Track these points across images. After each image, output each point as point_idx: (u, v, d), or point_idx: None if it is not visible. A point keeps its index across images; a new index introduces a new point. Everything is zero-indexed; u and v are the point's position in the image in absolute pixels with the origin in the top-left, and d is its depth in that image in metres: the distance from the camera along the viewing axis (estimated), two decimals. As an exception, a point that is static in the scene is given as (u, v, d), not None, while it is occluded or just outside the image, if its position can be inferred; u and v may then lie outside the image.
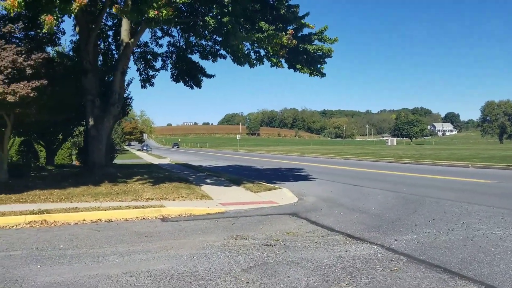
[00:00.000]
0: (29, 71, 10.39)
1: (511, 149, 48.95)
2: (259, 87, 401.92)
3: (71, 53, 19.39)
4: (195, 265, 5.80)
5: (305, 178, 19.72)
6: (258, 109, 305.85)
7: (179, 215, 9.96)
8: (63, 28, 17.27)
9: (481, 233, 7.36)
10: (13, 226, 8.81)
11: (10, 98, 10.03)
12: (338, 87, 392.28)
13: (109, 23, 19.23)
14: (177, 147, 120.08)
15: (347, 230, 7.94)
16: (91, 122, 14.87)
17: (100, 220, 9.38)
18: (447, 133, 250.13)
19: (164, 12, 10.52)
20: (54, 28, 16.94)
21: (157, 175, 17.89)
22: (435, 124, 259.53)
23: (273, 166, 29.76)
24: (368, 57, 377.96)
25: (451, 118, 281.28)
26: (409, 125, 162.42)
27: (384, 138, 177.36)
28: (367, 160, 35.80)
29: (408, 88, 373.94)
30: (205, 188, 14.34)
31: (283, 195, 13.11)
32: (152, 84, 19.60)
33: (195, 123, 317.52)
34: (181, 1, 10.37)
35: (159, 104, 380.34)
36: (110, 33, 19.33)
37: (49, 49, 20.63)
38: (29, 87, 10.17)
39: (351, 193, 13.58)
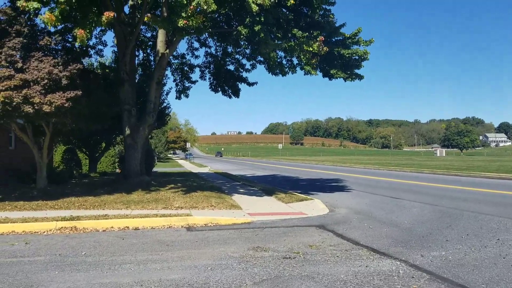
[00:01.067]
0: (64, 81, 10.79)
1: None
2: (303, 96, 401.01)
3: (113, 64, 20.09)
4: (207, 276, 5.71)
5: (342, 189, 19.28)
6: (302, 118, 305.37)
7: (205, 224, 9.94)
8: (105, 40, 17.89)
9: (517, 251, 6.84)
10: (44, 232, 9.08)
11: (46, 108, 10.45)
12: (385, 95, 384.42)
13: (148, 34, 19.78)
14: (220, 156, 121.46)
15: (373, 245, 7.61)
16: (127, 131, 15.25)
17: (128, 227, 9.50)
18: (501, 144, 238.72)
19: (194, 20, 10.64)
20: (94, 40, 17.72)
21: (191, 183, 18.05)
22: (487, 134, 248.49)
23: (311, 177, 29.37)
24: (417, 65, 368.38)
25: (505, 128, 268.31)
26: (459, 136, 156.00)
27: (433, 149, 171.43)
28: (411, 171, 34.63)
29: (460, 97, 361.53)
30: (236, 198, 14.30)
31: (314, 206, 12.84)
32: (187, 95, 19.90)
33: (239, 132, 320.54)
34: (209, 9, 10.44)
35: (204, 113, 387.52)
36: (150, 44, 19.85)
37: (93, 59, 21.56)
38: (64, 98, 10.56)
39: (386, 206, 13.10)
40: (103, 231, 9.24)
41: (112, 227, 9.46)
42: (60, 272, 6.00)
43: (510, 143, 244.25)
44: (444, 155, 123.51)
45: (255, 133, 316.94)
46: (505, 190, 17.52)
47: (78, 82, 11.26)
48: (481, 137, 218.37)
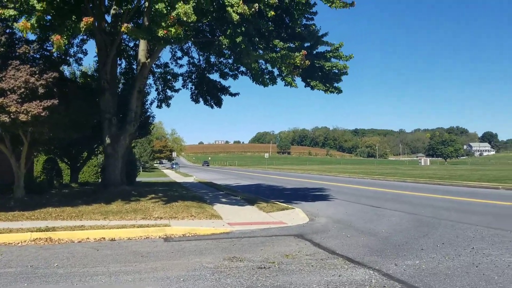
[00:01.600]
0: (41, 90, 10.68)
1: (550, 170, 46.77)
2: (290, 105, 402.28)
3: (95, 74, 19.94)
4: (178, 288, 5.65)
5: (324, 198, 19.32)
6: (289, 128, 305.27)
7: (183, 234, 9.85)
8: (85, 49, 17.70)
9: (489, 260, 6.90)
10: (18, 243, 8.90)
11: (22, 117, 10.31)
12: (371, 105, 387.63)
13: (131, 44, 19.71)
14: (207, 165, 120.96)
15: (349, 254, 7.61)
16: (107, 141, 15.11)
17: (104, 238, 9.36)
18: (485, 153, 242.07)
19: (173, 30, 10.64)
20: (76, 48, 17.59)
21: (173, 193, 17.91)
22: (471, 144, 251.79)
23: (296, 186, 29.39)
24: (402, 75, 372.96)
25: (488, 137, 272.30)
26: (444, 145, 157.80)
27: (418, 158, 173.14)
28: (395, 180, 34.87)
29: (444, 107, 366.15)
30: (217, 207, 14.22)
31: (295, 215, 12.83)
32: (168, 105, 19.82)
33: (227, 142, 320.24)
34: (189, 20, 10.44)
35: (191, 122, 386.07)
36: (132, 53, 19.78)
37: (75, 68, 21.39)
38: (41, 107, 10.44)
39: (366, 215, 13.15)
40: (79, 242, 9.09)
41: (88, 238, 9.31)
42: (29, 284, 5.88)
43: (493, 153, 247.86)
44: (428, 164, 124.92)
45: (243, 142, 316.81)
46: (485, 199, 17.72)
47: (55, 90, 11.14)
48: (465, 147, 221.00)
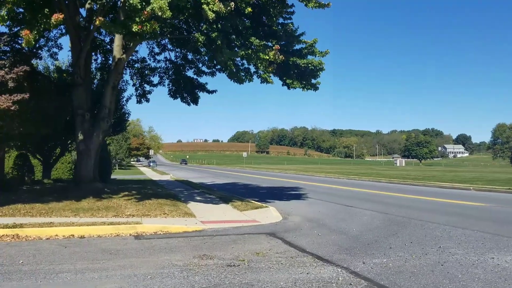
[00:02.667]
0: (11, 84, 10.42)
1: (519, 172, 48.15)
2: (270, 104, 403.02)
3: (70, 68, 19.55)
4: (145, 285, 5.59)
5: (299, 197, 19.43)
6: (268, 127, 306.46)
7: (154, 232, 9.75)
8: (60, 43, 17.40)
9: (455, 258, 7.05)
10: (-17, 240, 8.67)
11: (-10, 111, 10.06)
12: (348, 106, 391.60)
13: (107, 39, 19.40)
14: (185, 164, 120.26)
15: (318, 252, 7.67)
16: (80, 137, 14.83)
17: (73, 235, 9.20)
18: (458, 155, 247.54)
19: (148, 26, 10.53)
20: (50, 43, 17.24)
21: (147, 191, 17.73)
22: (446, 145, 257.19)
23: (272, 185, 29.48)
24: (380, 77, 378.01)
25: (462, 140, 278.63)
26: (419, 146, 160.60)
27: (393, 159, 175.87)
28: (370, 180, 35.33)
29: (420, 109, 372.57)
30: (192, 206, 14.14)
31: (269, 214, 12.86)
32: (147, 100, 19.62)
33: (205, 140, 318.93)
34: (165, 16, 10.33)
35: (169, 120, 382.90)
36: (108, 48, 19.48)
37: (49, 63, 20.94)
38: (11, 100, 10.19)
39: (338, 214, 13.28)
40: (47, 239, 8.91)
41: (57, 235, 9.13)
42: (-9, 282, 5.73)
43: (467, 154, 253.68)
44: (403, 165, 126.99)
45: (222, 141, 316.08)
46: (456, 200, 18.10)
47: (26, 85, 10.89)
48: (439, 148, 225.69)
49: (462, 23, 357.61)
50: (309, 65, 14.68)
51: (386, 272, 6.23)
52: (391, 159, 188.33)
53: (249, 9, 12.82)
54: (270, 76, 14.19)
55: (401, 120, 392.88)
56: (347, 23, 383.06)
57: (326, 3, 13.25)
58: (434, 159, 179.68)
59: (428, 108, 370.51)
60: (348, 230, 10.07)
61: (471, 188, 25.05)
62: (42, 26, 9.69)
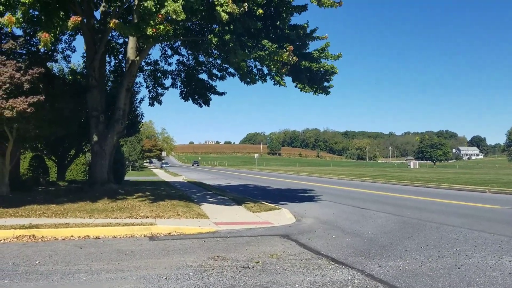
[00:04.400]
0: (27, 86, 10.55)
1: (536, 174, 47.38)
2: (281, 107, 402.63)
3: (84, 71, 19.78)
4: (160, 286, 5.61)
5: (311, 199, 19.36)
6: (280, 129, 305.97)
7: (168, 233, 9.79)
8: (74, 46, 17.58)
9: (472, 261, 6.95)
10: (0, 240, 8.78)
11: (7, 113, 10.18)
12: (361, 108, 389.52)
13: (120, 41, 19.60)
14: (197, 165, 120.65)
15: (333, 254, 7.62)
16: (94, 138, 14.99)
17: (88, 236, 9.28)
18: (473, 157, 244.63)
19: (162, 28, 10.59)
20: (64, 45, 17.46)
21: (161, 192, 17.82)
22: (460, 147, 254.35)
23: (284, 187, 29.42)
24: (393, 78, 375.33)
25: (477, 142, 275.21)
26: (433, 148, 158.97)
27: (407, 161, 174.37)
28: (383, 182, 35.06)
29: (434, 111, 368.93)
30: (205, 207, 14.18)
31: (282, 216, 12.83)
32: (160, 102, 19.76)
33: (217, 142, 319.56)
34: (179, 18, 10.39)
35: (181, 122, 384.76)
36: (121, 50, 19.67)
37: (63, 65, 21.20)
38: (27, 103, 10.32)
39: (352, 216, 13.19)
40: (62, 240, 9.00)
41: (72, 236, 9.22)
42: (9, 282, 5.81)
43: (482, 156, 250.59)
44: (417, 167, 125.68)
45: (234, 143, 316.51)
46: (471, 202, 17.88)
47: (42, 87, 11.02)
48: (454, 150, 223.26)
49: (477, 22, 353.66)
50: (321, 69, 14.63)
51: (402, 275, 6.16)
52: (405, 161, 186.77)
53: (261, 10, 12.83)
54: (283, 79, 14.17)
55: (414, 122, 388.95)
56: (359, 24, 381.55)
57: (338, 1, 13.19)
58: (448, 161, 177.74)
59: (442, 110, 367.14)
60: (362, 233, 10.00)
61: (487, 190, 24.70)
62: (59, 28, 9.80)
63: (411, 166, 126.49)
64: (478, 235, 9.44)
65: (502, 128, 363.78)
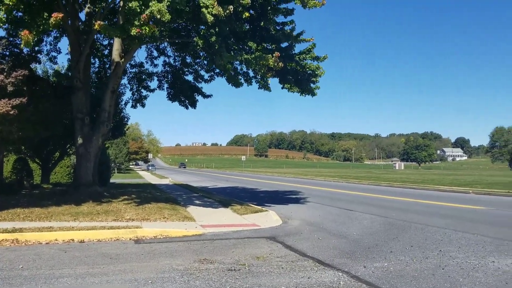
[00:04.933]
0: (10, 88, 10.41)
1: (518, 175, 48.24)
2: (268, 109, 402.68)
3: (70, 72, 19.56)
4: (146, 290, 5.57)
5: (298, 201, 19.42)
6: (267, 131, 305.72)
7: (154, 236, 9.73)
8: (59, 47, 17.37)
9: (455, 262, 7.04)
10: (-18, 245, 8.63)
11: (-11, 116, 10.04)
12: (347, 109, 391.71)
13: (105, 42, 19.42)
14: (184, 167, 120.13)
15: (319, 256, 7.65)
16: (79, 141, 14.81)
17: (73, 240, 9.17)
18: (457, 159, 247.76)
19: (147, 29, 10.53)
20: (49, 47, 17.25)
21: (147, 195, 17.69)
22: (444, 149, 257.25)
23: (271, 188, 29.46)
24: (378, 80, 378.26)
25: (461, 143, 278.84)
26: (418, 150, 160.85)
27: (393, 162, 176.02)
28: (369, 184, 35.34)
29: (419, 113, 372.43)
30: (191, 209, 14.12)
31: (269, 218, 12.84)
32: (143, 105, 19.62)
33: (204, 144, 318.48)
34: (164, 19, 10.35)
35: (168, 124, 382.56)
36: (106, 52, 19.50)
37: (48, 67, 20.94)
38: (10, 105, 10.18)
39: (338, 218, 13.27)
40: (47, 243, 8.87)
41: (57, 240, 9.10)
42: (-9, 287, 5.71)
43: (466, 158, 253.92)
44: (402, 168, 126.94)
45: (220, 145, 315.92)
46: (455, 203, 18.12)
47: (25, 89, 10.88)
48: (438, 152, 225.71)
49: (460, 23, 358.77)
50: (308, 70, 14.71)
51: (387, 276, 6.21)
52: (390, 163, 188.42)
53: (247, 13, 12.87)
54: (268, 84, 14.23)
55: (400, 123, 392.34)
56: (344, 24, 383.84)
57: (321, 1, 13.25)
58: (433, 162, 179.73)
59: (427, 112, 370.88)
60: (348, 234, 10.06)
61: (471, 191, 25.06)
62: (42, 27, 9.67)
63: (396, 168, 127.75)
64: (461, 236, 9.56)
65: (486, 130, 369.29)
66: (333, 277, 6.17)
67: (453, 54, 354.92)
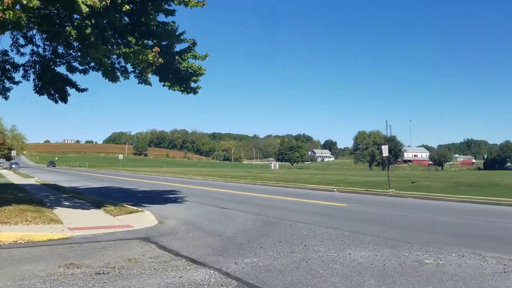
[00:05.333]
0: None
1: (376, 175, 53.89)
2: (149, 106, 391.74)
3: None
4: (0, 300, 5.10)
5: (176, 200, 19.29)
6: (147, 129, 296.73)
7: (14, 241, 8.89)
8: None
9: (318, 255, 7.67)
10: None
11: None
12: (228, 110, 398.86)
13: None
14: (53, 166, 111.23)
15: (193, 255, 7.73)
16: None
17: None
18: (326, 159, 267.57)
19: (11, 13, 9.59)
20: None
21: (7, 196, 16.04)
22: (315, 150, 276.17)
23: (150, 188, 28.78)
24: (257, 83, 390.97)
25: (329, 145, 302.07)
26: (291, 150, 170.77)
27: (269, 162, 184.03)
28: (246, 183, 36.49)
29: (293, 115, 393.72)
30: (59, 212, 13.18)
31: (144, 218, 12.55)
32: (6, 97, 17.70)
33: (77, 141, 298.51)
34: (30, 5, 9.52)
35: (37, 119, 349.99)
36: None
37: None
38: None
39: (215, 216, 13.51)
40: None
41: None
42: None
43: (333, 159, 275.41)
44: (277, 168, 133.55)
45: (96, 142, 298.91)
46: (321, 201, 19.60)
47: None
48: (309, 153, 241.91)
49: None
50: (189, 69, 14.73)
51: (256, 271, 6.53)
52: (267, 162, 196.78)
53: (127, 6, 12.42)
54: (148, 79, 13.91)
55: (276, 125, 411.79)
56: (225, 25, 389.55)
57: (202, 1, 13.39)
58: (305, 162, 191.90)
59: (300, 115, 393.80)
60: (223, 232, 10.31)
61: (335, 189, 27.35)
62: None
63: (272, 167, 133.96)
64: (325, 231, 10.43)
65: (351, 133, 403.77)
66: (204, 275, 6.29)
67: (324, 61, 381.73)
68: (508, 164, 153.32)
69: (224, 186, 32.12)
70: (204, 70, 15.53)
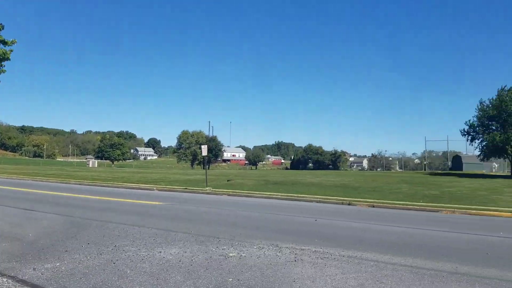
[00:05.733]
0: None
1: (196, 174, 55.27)
2: None
3: None
4: None
5: (-32, 202, 16.73)
6: None
7: None
8: None
9: (127, 256, 7.63)
10: None
11: None
12: (41, 102, 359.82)
13: None
14: None
15: (-19, 263, 6.89)
16: None
17: None
18: (149, 158, 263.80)
19: None
20: None
21: None
22: (138, 148, 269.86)
23: None
24: (75, 76, 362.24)
25: (153, 143, 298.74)
26: (112, 148, 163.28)
27: (87, 160, 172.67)
28: (58, 182, 33.69)
29: (116, 111, 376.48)
30: None
31: None
32: None
33: None
34: None
35: None
36: None
37: None
38: None
39: (16, 219, 12.20)
40: None
41: None
42: None
43: (156, 157, 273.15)
44: (96, 166, 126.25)
45: None
46: (139, 200, 19.35)
47: None
48: (132, 151, 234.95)
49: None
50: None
51: (57, 276, 6.19)
52: (84, 160, 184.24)
53: None
54: None
55: (96, 121, 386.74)
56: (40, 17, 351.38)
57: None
58: (127, 160, 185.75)
59: (124, 111, 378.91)
60: (23, 236, 9.41)
61: (155, 188, 27.29)
62: None
63: (90, 165, 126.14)
64: (138, 231, 10.38)
65: (175, 132, 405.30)
66: (-5, 285, 5.71)
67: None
68: (310, 164, 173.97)
69: (31, 185, 29.05)
70: (9, 55, 13.96)
